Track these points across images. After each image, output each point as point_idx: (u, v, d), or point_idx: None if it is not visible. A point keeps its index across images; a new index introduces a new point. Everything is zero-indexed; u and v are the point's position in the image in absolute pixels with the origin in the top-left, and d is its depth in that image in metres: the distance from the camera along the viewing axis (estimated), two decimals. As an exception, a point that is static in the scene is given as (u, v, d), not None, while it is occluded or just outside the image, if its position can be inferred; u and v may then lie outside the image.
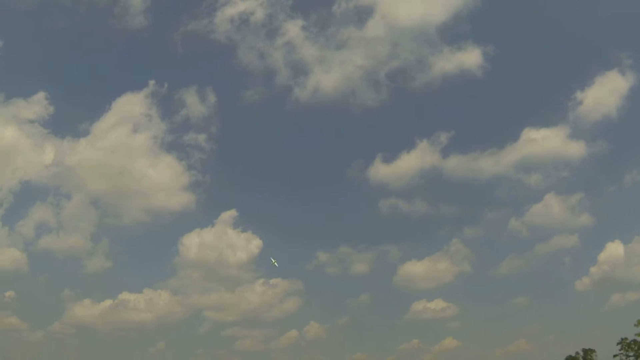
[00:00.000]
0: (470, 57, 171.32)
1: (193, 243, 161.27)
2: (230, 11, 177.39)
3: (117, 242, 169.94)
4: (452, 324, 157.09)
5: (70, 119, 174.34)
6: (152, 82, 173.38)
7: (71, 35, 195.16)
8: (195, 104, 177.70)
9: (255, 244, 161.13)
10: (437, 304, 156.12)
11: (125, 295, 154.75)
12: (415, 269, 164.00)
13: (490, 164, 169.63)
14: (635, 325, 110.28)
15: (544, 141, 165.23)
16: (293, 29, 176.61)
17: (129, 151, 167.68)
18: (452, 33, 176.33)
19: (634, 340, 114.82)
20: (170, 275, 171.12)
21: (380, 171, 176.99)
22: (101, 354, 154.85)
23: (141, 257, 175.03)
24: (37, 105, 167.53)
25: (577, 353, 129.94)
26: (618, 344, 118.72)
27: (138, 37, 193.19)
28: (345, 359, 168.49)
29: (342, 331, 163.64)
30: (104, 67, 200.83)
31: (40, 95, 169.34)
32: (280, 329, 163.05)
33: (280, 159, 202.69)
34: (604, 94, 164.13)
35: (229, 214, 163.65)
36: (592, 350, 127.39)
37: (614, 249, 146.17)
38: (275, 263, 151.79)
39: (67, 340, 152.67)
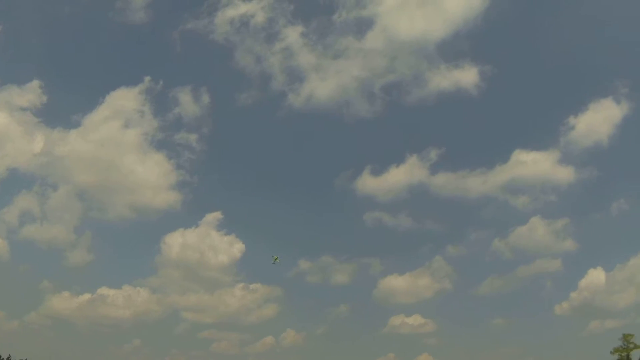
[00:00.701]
0: (467, 76, 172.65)
1: (176, 243, 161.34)
2: (231, 12, 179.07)
3: (100, 236, 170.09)
4: (429, 340, 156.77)
5: (63, 109, 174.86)
6: (147, 79, 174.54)
7: (71, 25, 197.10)
8: (188, 103, 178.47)
9: (237, 247, 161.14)
10: (416, 320, 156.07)
11: (104, 290, 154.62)
12: (396, 283, 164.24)
13: (478, 183, 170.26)
14: (611, 353, 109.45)
15: (533, 164, 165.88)
16: (292, 34, 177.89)
17: (119, 146, 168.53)
18: (450, 50, 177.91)
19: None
20: (150, 273, 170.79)
21: (368, 183, 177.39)
22: (76, 347, 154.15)
23: (123, 253, 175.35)
24: (31, 94, 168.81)
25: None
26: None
27: (137, 32, 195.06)
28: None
29: (319, 340, 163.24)
30: (100, 60, 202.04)
31: (35, 83, 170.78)
32: (257, 334, 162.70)
33: (270, 164, 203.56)
34: (597, 120, 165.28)
35: (214, 216, 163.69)
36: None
37: (596, 276, 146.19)
38: (277, 260, 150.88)
39: (43, 331, 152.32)
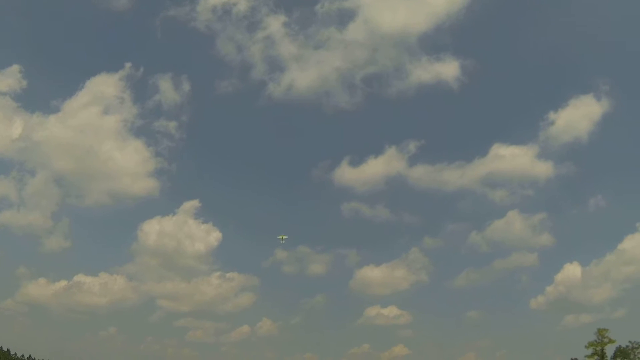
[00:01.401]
0: (448, 69, 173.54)
1: (153, 230, 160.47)
2: (213, 0, 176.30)
3: (77, 223, 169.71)
4: (404, 331, 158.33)
5: (42, 94, 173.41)
6: (128, 65, 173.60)
7: (53, 10, 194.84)
8: (168, 90, 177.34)
9: (214, 236, 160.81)
10: (391, 311, 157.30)
11: (80, 277, 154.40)
12: (372, 274, 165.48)
13: (456, 176, 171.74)
14: (586, 347, 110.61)
15: (512, 158, 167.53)
16: (274, 23, 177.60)
17: (98, 132, 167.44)
18: (432, 43, 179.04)
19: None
20: (127, 260, 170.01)
21: (346, 174, 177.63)
22: (51, 334, 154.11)
23: (100, 240, 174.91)
24: (11, 78, 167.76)
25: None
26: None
27: (119, 18, 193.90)
28: (295, 358, 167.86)
29: (295, 330, 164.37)
30: (82, 45, 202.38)
31: (15, 68, 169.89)
32: (233, 323, 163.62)
33: (248, 153, 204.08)
34: (577, 117, 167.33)
35: (192, 204, 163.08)
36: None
37: (572, 271, 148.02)
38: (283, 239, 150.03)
39: (18, 318, 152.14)
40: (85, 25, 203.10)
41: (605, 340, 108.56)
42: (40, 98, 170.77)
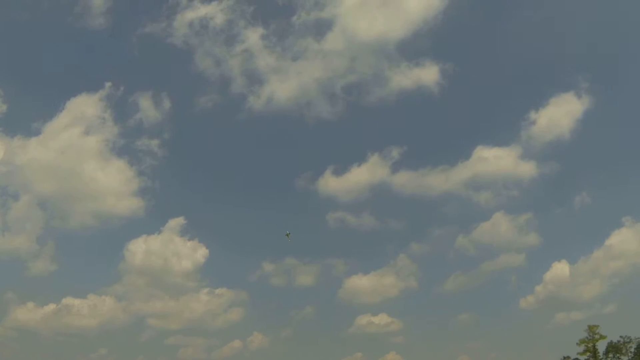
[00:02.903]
0: (428, 74, 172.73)
1: (139, 249, 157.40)
2: (190, 15, 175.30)
3: (63, 245, 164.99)
4: (396, 338, 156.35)
5: (23, 117, 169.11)
6: (108, 84, 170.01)
7: (29, 31, 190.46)
8: (149, 108, 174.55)
9: (201, 253, 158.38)
10: (382, 319, 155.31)
11: (69, 300, 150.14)
12: (361, 282, 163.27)
13: (440, 181, 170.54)
14: (577, 344, 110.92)
15: (495, 160, 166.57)
16: (252, 36, 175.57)
17: (80, 153, 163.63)
18: (411, 49, 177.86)
19: (576, 359, 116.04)
20: (115, 281, 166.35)
21: (330, 184, 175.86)
22: (42, 359, 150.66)
23: (87, 262, 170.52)
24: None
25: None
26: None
27: (97, 37, 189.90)
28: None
29: (286, 343, 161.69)
30: (60, 65, 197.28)
31: None
32: (224, 338, 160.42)
33: (231, 167, 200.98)
34: (558, 115, 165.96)
35: (177, 222, 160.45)
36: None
37: (560, 269, 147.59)
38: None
39: (8, 344, 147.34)
40: (63, 46, 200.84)
41: (597, 336, 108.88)
42: (21, 121, 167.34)
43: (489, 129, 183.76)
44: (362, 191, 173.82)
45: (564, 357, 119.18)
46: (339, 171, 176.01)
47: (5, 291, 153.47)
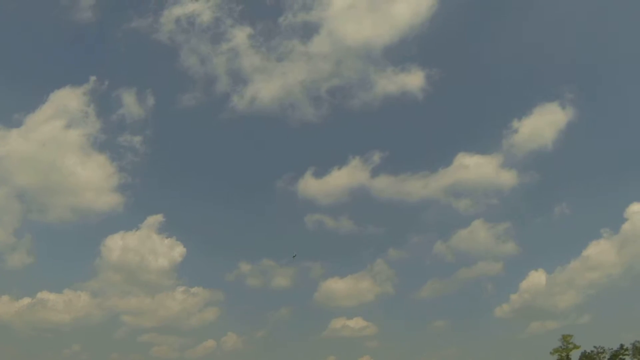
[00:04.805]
0: (413, 79, 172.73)
1: (116, 245, 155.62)
2: (177, 11, 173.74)
3: (40, 239, 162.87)
4: (371, 343, 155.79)
5: (5, 108, 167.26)
6: (93, 79, 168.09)
7: (15, 23, 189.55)
8: (132, 104, 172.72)
9: (178, 251, 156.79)
10: (357, 323, 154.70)
11: (44, 295, 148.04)
12: (337, 286, 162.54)
13: (419, 187, 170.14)
14: (551, 353, 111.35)
15: (476, 168, 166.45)
16: (239, 35, 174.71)
17: (61, 146, 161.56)
18: (397, 54, 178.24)
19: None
20: (90, 276, 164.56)
21: (310, 186, 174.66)
22: (13, 353, 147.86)
23: (64, 256, 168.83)
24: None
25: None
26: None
27: (84, 31, 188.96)
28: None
29: (260, 344, 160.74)
30: (45, 58, 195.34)
31: None
32: (198, 338, 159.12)
33: (212, 166, 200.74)
34: (541, 125, 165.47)
35: (155, 219, 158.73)
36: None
37: (537, 278, 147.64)
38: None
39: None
40: (48, 39, 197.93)
41: (570, 346, 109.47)
42: (2, 112, 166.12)
43: (472, 136, 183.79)
44: (341, 194, 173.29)
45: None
46: (320, 173, 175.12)
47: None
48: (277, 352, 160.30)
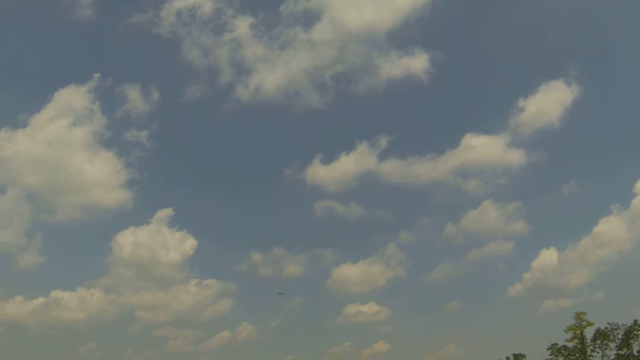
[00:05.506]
0: (418, 62, 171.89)
1: (127, 241, 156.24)
2: (178, 4, 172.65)
3: (51, 238, 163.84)
4: (384, 327, 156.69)
5: (9, 109, 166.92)
6: (97, 76, 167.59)
7: (16, 22, 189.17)
8: (137, 99, 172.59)
9: (189, 244, 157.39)
10: (370, 308, 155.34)
11: (57, 293, 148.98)
12: (349, 272, 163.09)
13: (428, 169, 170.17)
14: (565, 331, 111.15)
15: (483, 148, 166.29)
16: (241, 25, 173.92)
17: (67, 145, 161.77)
18: (400, 38, 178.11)
19: (564, 346, 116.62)
20: (103, 273, 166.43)
21: (318, 172, 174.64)
22: (29, 353, 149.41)
23: (75, 254, 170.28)
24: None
25: (507, 358, 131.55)
26: (548, 349, 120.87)
27: (85, 29, 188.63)
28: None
29: (275, 333, 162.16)
30: (48, 57, 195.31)
31: None
32: (213, 329, 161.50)
33: (219, 158, 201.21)
34: (547, 103, 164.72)
35: (165, 213, 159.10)
36: (522, 356, 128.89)
37: (548, 256, 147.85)
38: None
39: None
40: (50, 37, 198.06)
41: (584, 323, 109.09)
42: (7, 113, 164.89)
43: (478, 117, 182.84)
44: (350, 180, 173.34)
45: (552, 344, 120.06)
46: (327, 160, 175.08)
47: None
48: (292, 340, 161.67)
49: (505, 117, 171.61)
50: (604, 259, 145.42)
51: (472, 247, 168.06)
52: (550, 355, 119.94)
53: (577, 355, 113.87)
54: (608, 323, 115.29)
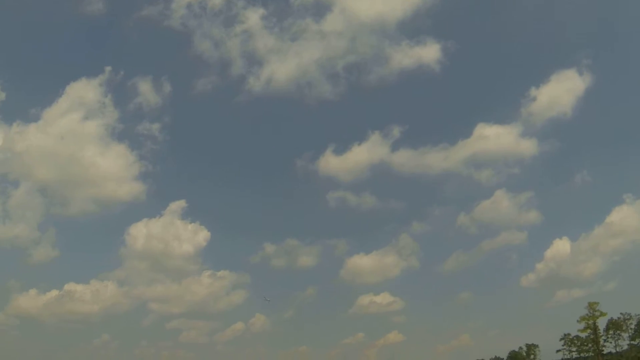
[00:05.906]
0: (429, 52, 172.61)
1: (140, 233, 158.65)
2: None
3: (64, 232, 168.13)
4: (398, 318, 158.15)
5: (22, 103, 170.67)
6: (108, 69, 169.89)
7: (27, 17, 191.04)
8: (149, 92, 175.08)
9: (202, 235, 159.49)
10: (384, 298, 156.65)
11: (71, 286, 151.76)
12: (363, 262, 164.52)
13: (440, 159, 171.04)
14: (578, 321, 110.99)
15: (496, 138, 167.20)
16: (252, 17, 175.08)
17: (80, 139, 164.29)
18: (412, 28, 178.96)
19: (577, 336, 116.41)
20: (116, 266, 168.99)
21: (330, 163, 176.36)
22: (44, 346, 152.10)
23: (89, 247, 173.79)
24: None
25: (520, 348, 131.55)
26: (561, 339, 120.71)
27: (96, 23, 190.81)
28: (290, 351, 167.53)
29: (288, 324, 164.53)
30: (60, 51, 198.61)
31: None
32: (226, 321, 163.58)
33: (232, 149, 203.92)
34: (559, 92, 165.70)
35: (178, 204, 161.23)
36: (535, 346, 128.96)
37: (561, 246, 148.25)
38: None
39: (10, 332, 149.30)
40: (62, 31, 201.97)
41: (597, 313, 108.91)
42: (19, 107, 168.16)
43: (490, 107, 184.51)
44: (362, 170, 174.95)
45: (565, 334, 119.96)
46: (340, 150, 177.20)
47: (7, 279, 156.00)
48: (306, 331, 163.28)
49: (518, 106, 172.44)
50: (617, 248, 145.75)
51: (485, 237, 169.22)
52: (562, 345, 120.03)
53: (589, 345, 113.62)
54: (621, 313, 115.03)
